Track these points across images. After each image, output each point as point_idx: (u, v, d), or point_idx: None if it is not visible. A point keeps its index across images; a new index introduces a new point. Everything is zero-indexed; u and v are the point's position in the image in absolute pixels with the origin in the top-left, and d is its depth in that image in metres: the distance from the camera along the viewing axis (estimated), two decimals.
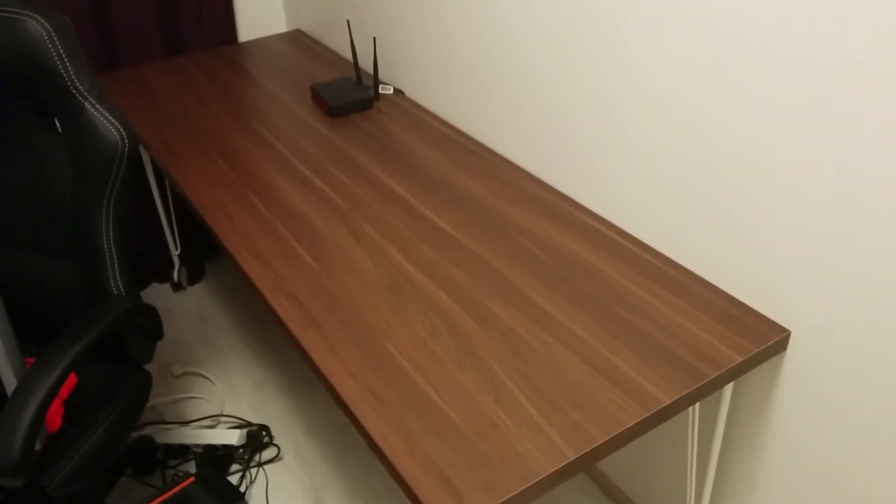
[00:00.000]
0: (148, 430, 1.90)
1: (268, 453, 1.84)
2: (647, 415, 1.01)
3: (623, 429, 0.99)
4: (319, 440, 1.88)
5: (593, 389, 1.06)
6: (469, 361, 1.12)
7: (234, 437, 1.83)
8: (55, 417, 1.33)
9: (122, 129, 1.31)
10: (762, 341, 1.13)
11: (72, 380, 1.39)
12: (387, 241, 1.41)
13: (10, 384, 1.20)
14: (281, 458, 1.83)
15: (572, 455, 0.96)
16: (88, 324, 1.30)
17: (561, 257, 1.34)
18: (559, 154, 1.51)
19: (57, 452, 1.27)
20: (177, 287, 2.43)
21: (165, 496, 1.22)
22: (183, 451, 1.83)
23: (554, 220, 1.44)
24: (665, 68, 1.21)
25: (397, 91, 1.99)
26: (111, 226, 1.40)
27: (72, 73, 1.29)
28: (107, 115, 1.30)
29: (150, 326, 1.44)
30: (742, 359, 1.10)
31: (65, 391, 1.36)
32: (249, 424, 1.90)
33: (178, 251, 2.38)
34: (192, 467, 1.81)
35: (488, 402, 1.05)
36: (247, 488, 1.76)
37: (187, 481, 1.25)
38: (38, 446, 1.23)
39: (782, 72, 1.02)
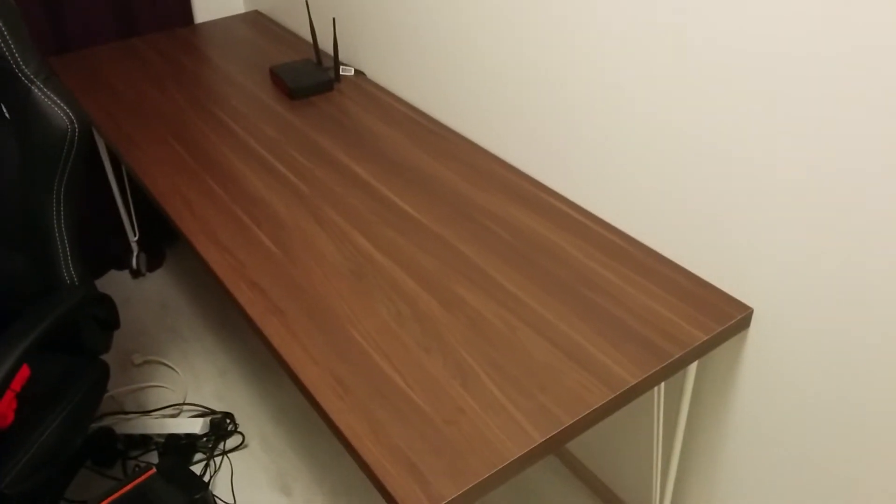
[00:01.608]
0: (108, 421, 1.86)
1: (232, 441, 1.82)
2: (613, 395, 1.01)
3: (590, 410, 0.99)
4: (285, 427, 1.86)
5: (560, 371, 1.05)
6: (435, 346, 1.11)
7: (197, 426, 1.80)
8: (7, 412, 1.28)
9: (70, 114, 1.26)
10: (726, 319, 1.14)
11: (24, 372, 1.35)
12: (350, 226, 1.39)
13: None
14: (246, 446, 1.81)
15: (539, 438, 0.95)
16: (40, 315, 1.26)
17: (527, 239, 1.33)
18: (521, 135, 1.50)
19: (9, 449, 1.23)
20: (136, 274, 2.38)
21: (125, 489, 1.19)
22: (145, 441, 1.80)
23: (519, 202, 1.43)
24: (621, 46, 1.20)
25: (358, 72, 1.96)
26: (62, 213, 1.36)
27: (17, 55, 1.24)
28: (55, 99, 1.26)
29: (105, 316, 1.40)
30: (706, 337, 1.11)
31: (17, 384, 1.32)
32: (213, 412, 1.87)
33: (136, 237, 2.32)
34: (154, 458, 1.78)
35: (455, 386, 1.04)
36: (211, 477, 1.74)
37: (148, 473, 1.22)
38: None
39: (739, 63, 1.02)
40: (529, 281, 1.23)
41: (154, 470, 1.22)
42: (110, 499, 1.17)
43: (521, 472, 0.96)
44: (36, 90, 1.25)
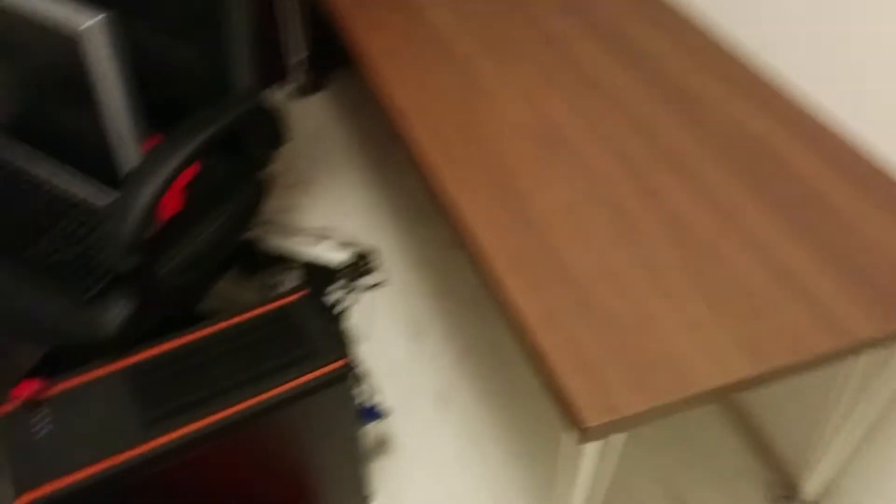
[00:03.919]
0: (254, 234, 1.86)
1: (372, 278, 1.79)
2: (840, 346, 0.84)
3: (813, 355, 0.83)
4: (426, 275, 1.80)
5: (777, 302, 0.89)
6: (626, 240, 0.97)
7: (340, 256, 1.77)
8: (172, 204, 1.27)
9: None
10: None
11: (194, 168, 1.33)
12: (543, 80, 1.22)
13: (129, 162, 1.14)
14: (385, 286, 1.78)
15: (751, 371, 0.81)
16: (214, 115, 1.20)
17: (757, 145, 1.12)
18: (773, 22, 1.24)
19: (169, 241, 1.22)
20: (298, 93, 2.32)
21: (271, 306, 1.17)
22: (287, 261, 1.80)
23: (755, 100, 1.21)
24: None
25: None
26: (244, 16, 1.27)
27: None
28: None
29: (274, 130, 1.34)
30: None
31: (185, 179, 1.30)
32: (358, 245, 1.84)
33: (306, 55, 2.24)
34: (293, 279, 1.78)
35: (644, 288, 0.91)
36: (345, 310, 1.73)
37: (299, 294, 1.19)
38: (151, 230, 1.19)
39: None
40: (754, 193, 1.04)
41: (306, 291, 1.19)
42: (259, 310, 1.15)
43: (708, 404, 0.83)
44: None
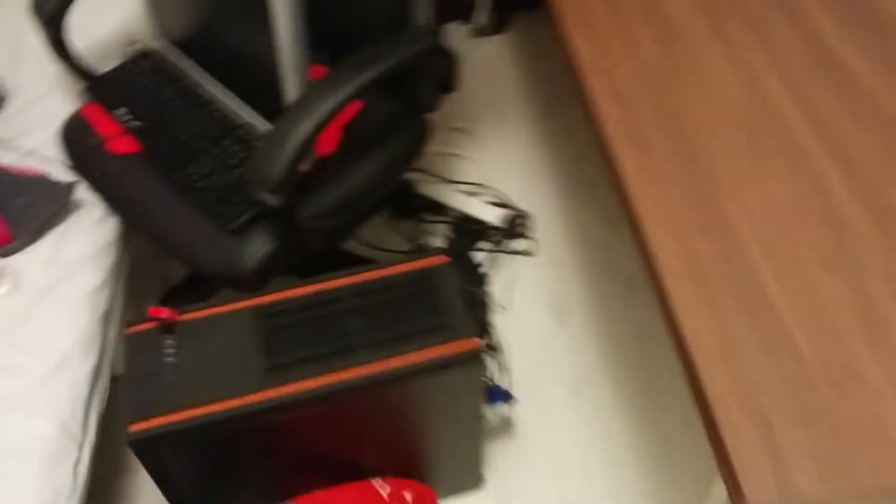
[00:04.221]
0: (410, 177, 1.80)
1: (520, 244, 1.68)
2: None
3: None
4: (579, 251, 1.67)
5: None
6: (844, 267, 0.79)
7: (492, 215, 1.68)
8: (330, 142, 1.22)
9: None
10: None
11: (355, 106, 1.26)
12: (763, 59, 1.03)
13: (292, 93, 1.08)
14: (533, 255, 1.66)
15: None
16: (385, 52, 1.12)
17: None
18: None
19: (320, 181, 1.17)
20: (478, 33, 2.20)
21: (412, 266, 1.10)
22: (439, 209, 1.73)
23: None
24: None
25: None
26: None
27: None
28: None
29: (447, 74, 1.24)
30: None
31: (345, 116, 1.24)
32: (511, 208, 1.73)
33: None
34: (443, 231, 1.71)
35: (857, 336, 0.73)
36: (489, 272, 1.64)
37: (440, 260, 1.11)
38: (304, 167, 1.14)
39: None
40: None
41: (447, 259, 1.11)
42: (400, 268, 1.08)
43: None
44: None
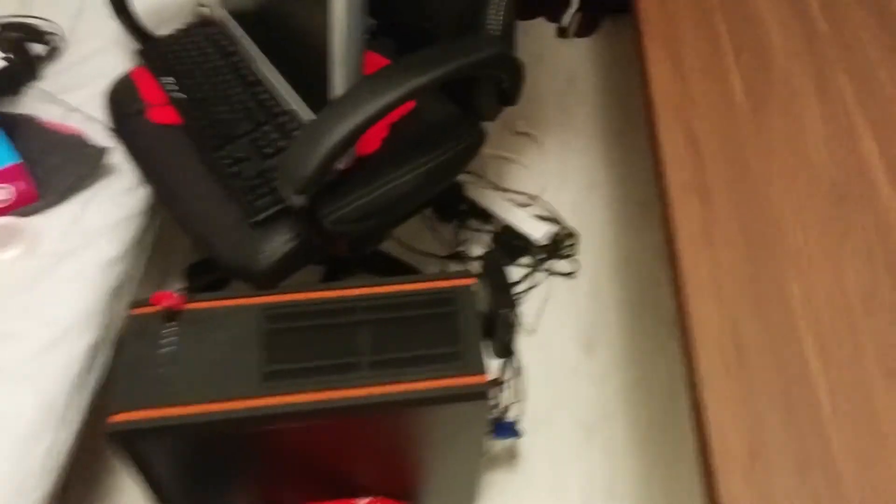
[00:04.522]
0: (460, 178, 1.72)
1: (562, 265, 1.59)
2: None
3: None
4: (621, 283, 1.57)
5: None
6: None
7: (539, 232, 1.59)
8: (374, 139, 1.15)
9: None
10: None
11: (408, 105, 1.19)
12: (863, 115, 0.92)
13: (338, 86, 1.01)
14: (574, 277, 1.57)
15: None
16: (451, 53, 1.04)
17: None
18: None
19: (355, 183, 1.10)
20: (562, 33, 2.08)
21: (436, 284, 1.03)
22: (484, 216, 1.65)
23: None
24: None
25: None
26: None
27: None
28: None
29: (509, 85, 1.15)
30: None
31: (396, 115, 1.16)
32: (559, 224, 1.64)
33: None
34: (484, 241, 1.63)
35: None
36: (524, 291, 1.55)
37: (466, 280, 1.04)
38: (341, 165, 1.07)
39: None
40: None
41: (473, 280, 1.03)
42: (422, 285, 1.01)
43: None
44: None
